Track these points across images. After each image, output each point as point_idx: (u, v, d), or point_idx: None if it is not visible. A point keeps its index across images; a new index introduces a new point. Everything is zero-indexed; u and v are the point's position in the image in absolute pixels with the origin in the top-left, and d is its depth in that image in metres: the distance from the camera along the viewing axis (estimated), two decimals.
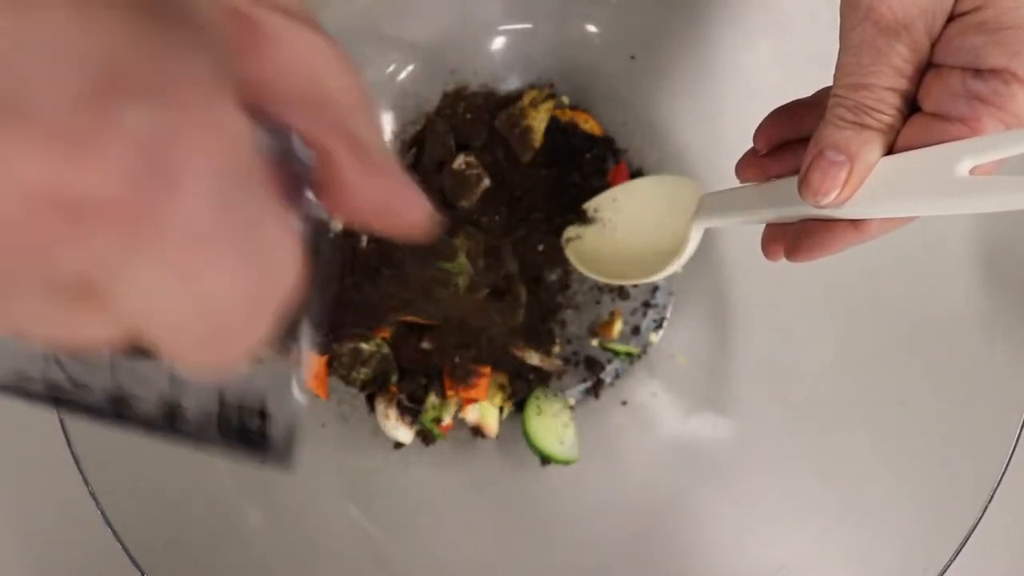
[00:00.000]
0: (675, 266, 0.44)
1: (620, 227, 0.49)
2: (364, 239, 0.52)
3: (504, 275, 0.53)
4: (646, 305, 0.55)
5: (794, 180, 0.32)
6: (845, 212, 0.30)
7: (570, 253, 0.52)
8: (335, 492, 0.49)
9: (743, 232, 0.53)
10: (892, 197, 0.29)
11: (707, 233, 0.53)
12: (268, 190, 0.15)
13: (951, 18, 0.28)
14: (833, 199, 0.30)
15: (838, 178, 0.29)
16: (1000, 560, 0.53)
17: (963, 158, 0.27)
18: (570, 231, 0.52)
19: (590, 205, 0.52)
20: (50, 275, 0.13)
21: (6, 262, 0.13)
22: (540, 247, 0.53)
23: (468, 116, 0.53)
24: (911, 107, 0.30)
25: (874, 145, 0.29)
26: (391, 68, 0.53)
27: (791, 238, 0.33)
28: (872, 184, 0.30)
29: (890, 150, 0.30)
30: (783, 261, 0.51)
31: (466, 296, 0.52)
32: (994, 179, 0.26)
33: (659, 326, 0.55)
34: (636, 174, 0.54)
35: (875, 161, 0.29)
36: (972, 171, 0.27)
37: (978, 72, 0.27)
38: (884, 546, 0.42)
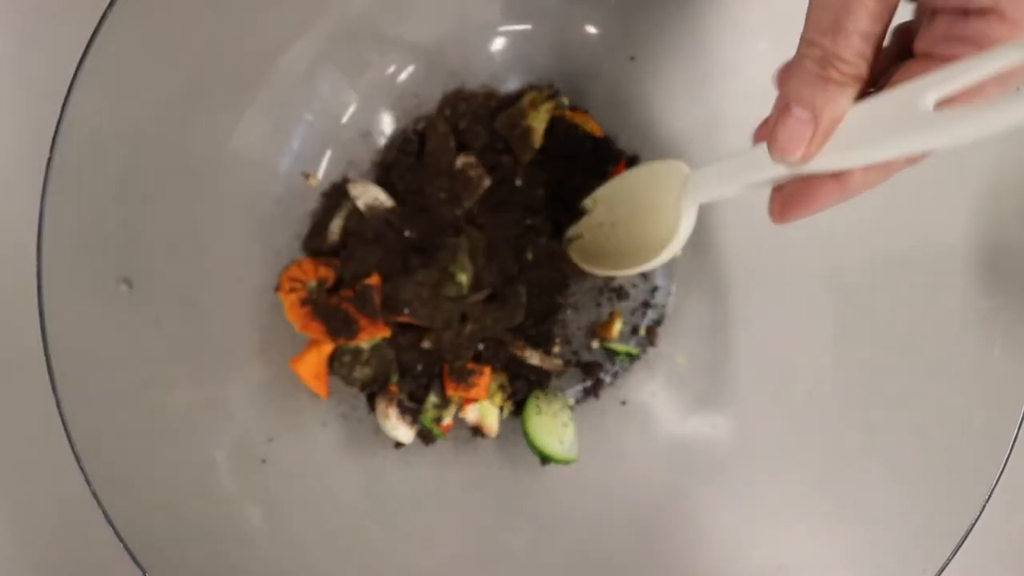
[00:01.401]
0: (673, 248, 0.44)
1: (618, 221, 0.49)
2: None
3: (504, 275, 0.53)
4: (645, 305, 0.55)
5: (750, 151, 0.33)
6: (818, 165, 0.31)
7: (572, 253, 0.52)
8: (335, 492, 0.49)
9: (743, 231, 0.53)
10: (863, 144, 0.29)
11: (706, 232, 0.53)
12: None
13: None
14: (800, 156, 0.30)
15: (804, 136, 0.29)
16: (999, 559, 0.54)
17: (926, 93, 0.27)
18: (570, 232, 0.52)
19: (587, 203, 0.52)
20: None
21: None
22: (540, 247, 0.53)
23: (468, 117, 0.53)
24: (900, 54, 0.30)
25: (840, 99, 0.29)
26: (391, 69, 0.53)
27: (779, 200, 0.34)
28: (842, 134, 0.30)
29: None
30: (780, 263, 0.52)
31: (466, 296, 0.52)
32: (958, 110, 0.26)
33: (658, 326, 0.55)
34: None
35: (841, 114, 0.29)
36: (940, 105, 0.27)
37: (966, 12, 0.27)
38: (883, 545, 0.42)
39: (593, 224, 0.51)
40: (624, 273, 0.49)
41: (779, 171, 0.33)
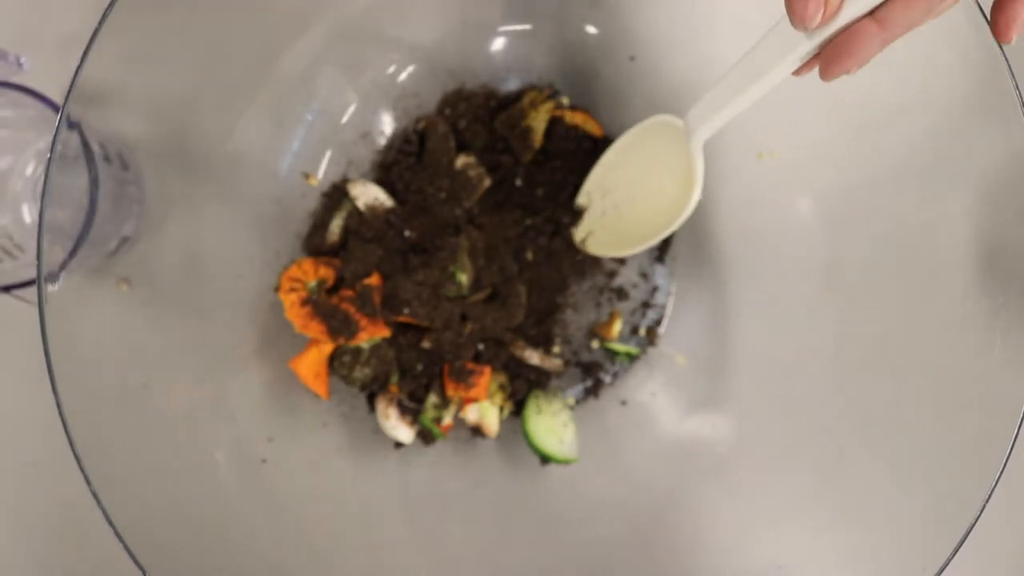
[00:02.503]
0: (696, 195, 0.45)
1: (621, 201, 0.49)
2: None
3: (504, 275, 0.53)
4: (645, 305, 0.55)
5: (762, 43, 0.33)
6: (834, 25, 0.30)
7: (593, 249, 0.52)
8: (335, 492, 0.49)
9: (743, 231, 0.53)
10: None
11: (706, 233, 0.53)
12: None
13: None
14: (821, 19, 0.29)
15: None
16: (998, 558, 0.54)
17: None
18: (580, 231, 0.52)
19: (581, 201, 0.52)
20: None
21: None
22: (540, 247, 0.53)
23: (468, 117, 0.53)
24: None
25: None
26: (391, 69, 0.53)
27: (822, 59, 0.32)
28: None
29: None
30: (778, 266, 0.52)
31: (466, 296, 0.52)
32: None
33: (658, 326, 0.55)
34: None
35: None
36: None
37: None
38: (883, 545, 0.42)
39: (597, 216, 0.51)
40: (661, 239, 0.49)
41: (779, 67, 0.33)
